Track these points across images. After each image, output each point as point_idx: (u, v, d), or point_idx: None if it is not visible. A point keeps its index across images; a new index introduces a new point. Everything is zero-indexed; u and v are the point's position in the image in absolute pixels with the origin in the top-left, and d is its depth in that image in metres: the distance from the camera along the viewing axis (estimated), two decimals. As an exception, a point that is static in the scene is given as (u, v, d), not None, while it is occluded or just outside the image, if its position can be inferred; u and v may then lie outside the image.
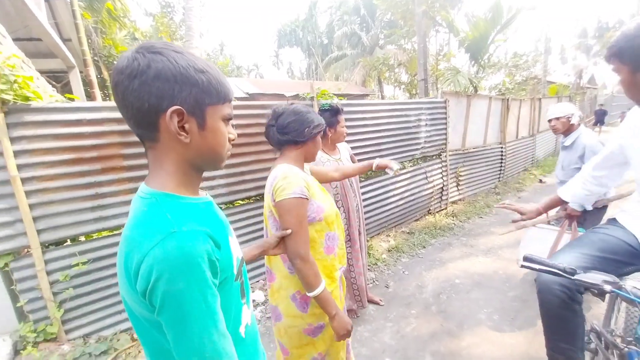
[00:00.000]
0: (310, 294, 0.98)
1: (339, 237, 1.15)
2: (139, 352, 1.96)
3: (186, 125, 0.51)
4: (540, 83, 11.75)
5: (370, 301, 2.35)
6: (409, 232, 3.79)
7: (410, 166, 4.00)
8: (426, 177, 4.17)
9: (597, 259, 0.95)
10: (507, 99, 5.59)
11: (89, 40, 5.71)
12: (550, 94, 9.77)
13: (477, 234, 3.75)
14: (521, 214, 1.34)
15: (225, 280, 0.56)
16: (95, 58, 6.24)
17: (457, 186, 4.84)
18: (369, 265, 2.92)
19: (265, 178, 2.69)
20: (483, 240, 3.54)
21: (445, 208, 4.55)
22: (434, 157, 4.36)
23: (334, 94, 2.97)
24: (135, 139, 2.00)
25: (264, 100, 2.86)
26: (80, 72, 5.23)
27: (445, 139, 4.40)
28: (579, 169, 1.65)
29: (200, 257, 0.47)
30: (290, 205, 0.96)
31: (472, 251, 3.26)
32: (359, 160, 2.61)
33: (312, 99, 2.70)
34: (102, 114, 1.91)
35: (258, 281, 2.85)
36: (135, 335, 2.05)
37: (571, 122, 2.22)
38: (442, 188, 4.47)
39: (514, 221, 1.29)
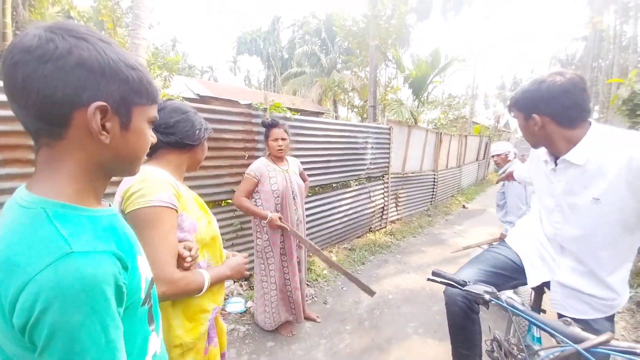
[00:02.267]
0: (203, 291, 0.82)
1: (211, 266, 0.91)
2: None
3: (107, 124, 0.45)
4: (467, 122, 13.72)
5: (308, 318, 2.33)
6: (350, 249, 3.93)
7: (356, 185, 4.21)
8: (369, 197, 4.43)
9: (489, 274, 1.12)
10: (440, 133, 6.39)
11: (14, 13, 4.84)
12: (475, 132, 11.48)
13: (410, 252, 4.07)
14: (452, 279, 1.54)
15: (131, 305, 0.48)
16: (18, 32, 5.28)
17: (396, 207, 5.24)
18: (309, 281, 2.92)
19: (208, 185, 2.48)
20: (414, 258, 3.85)
21: (385, 227, 4.86)
22: (377, 179, 4.67)
23: (288, 108, 3.01)
24: None
25: (216, 105, 2.74)
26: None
27: (388, 163, 4.77)
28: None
29: (105, 282, 0.40)
30: (152, 216, 0.74)
31: (404, 268, 3.52)
32: (309, 176, 2.67)
33: (264, 110, 2.69)
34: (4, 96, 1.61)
35: (241, 285, 2.64)
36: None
37: (509, 159, 2.80)
38: (383, 208, 4.79)
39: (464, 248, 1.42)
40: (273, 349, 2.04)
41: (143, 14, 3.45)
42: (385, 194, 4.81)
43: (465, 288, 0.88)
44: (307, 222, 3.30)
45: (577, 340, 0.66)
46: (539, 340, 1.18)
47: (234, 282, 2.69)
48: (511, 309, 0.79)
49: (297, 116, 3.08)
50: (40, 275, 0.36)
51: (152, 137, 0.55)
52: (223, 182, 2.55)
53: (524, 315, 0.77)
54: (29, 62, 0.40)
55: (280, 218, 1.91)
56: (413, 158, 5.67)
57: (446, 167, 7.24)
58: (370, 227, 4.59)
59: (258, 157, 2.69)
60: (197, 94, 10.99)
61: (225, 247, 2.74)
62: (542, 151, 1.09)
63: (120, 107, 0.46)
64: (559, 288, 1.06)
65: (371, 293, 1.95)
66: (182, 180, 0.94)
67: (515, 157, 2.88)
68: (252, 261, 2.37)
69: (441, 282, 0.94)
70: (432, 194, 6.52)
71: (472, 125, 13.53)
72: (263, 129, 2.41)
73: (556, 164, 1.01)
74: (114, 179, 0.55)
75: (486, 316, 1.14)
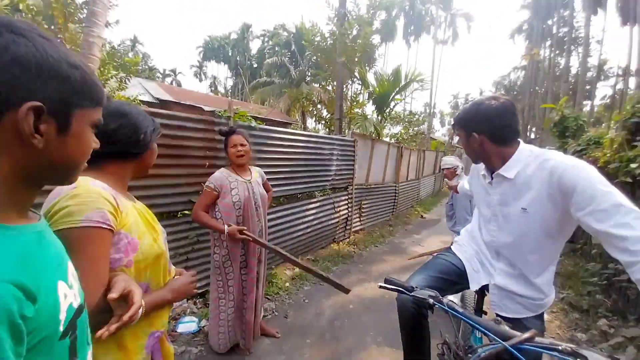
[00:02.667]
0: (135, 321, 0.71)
1: (150, 289, 0.82)
2: None
3: (42, 127, 0.41)
4: (425, 138, 14.75)
5: (267, 334, 2.26)
6: (314, 260, 3.92)
7: (321, 196, 4.26)
8: (334, 207, 4.50)
9: (436, 279, 1.21)
10: (402, 147, 6.77)
11: None
12: (432, 147, 12.38)
13: (372, 262, 4.18)
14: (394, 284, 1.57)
15: (44, 340, 0.41)
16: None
17: (359, 217, 5.38)
18: (270, 295, 2.85)
19: (164, 195, 2.35)
20: (376, 267, 3.96)
21: (349, 237, 4.95)
22: (341, 189, 4.78)
23: (253, 117, 2.98)
24: None
25: (178, 111, 2.62)
26: None
27: (353, 174, 4.91)
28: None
29: None
30: (78, 239, 0.64)
31: (366, 277, 3.60)
32: (273, 187, 2.64)
33: (228, 118, 2.64)
34: None
35: (195, 302, 2.47)
36: None
37: (456, 172, 3.12)
38: (347, 218, 4.89)
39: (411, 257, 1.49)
40: (228, 368, 1.94)
41: (100, 11, 3.23)
42: (349, 205, 4.93)
43: (412, 293, 0.94)
44: (271, 234, 3.25)
45: (505, 338, 0.73)
46: (481, 340, 1.27)
47: (187, 300, 2.53)
48: (451, 311, 0.85)
49: (263, 126, 3.06)
50: None
51: (94, 143, 0.51)
52: (180, 191, 2.42)
53: (462, 317, 0.83)
54: None
55: (241, 230, 1.85)
56: (376, 170, 5.91)
57: (406, 179, 7.65)
58: (334, 238, 4.64)
59: (220, 166, 2.62)
60: (157, 98, 10.41)
61: (179, 262, 2.58)
62: (481, 166, 1.22)
63: (58, 109, 0.43)
64: (496, 290, 1.17)
65: (346, 291, 1.95)
66: (125, 190, 0.86)
67: (462, 171, 3.16)
68: (208, 277, 2.26)
69: (391, 289, 0.99)
70: (394, 205, 6.81)
71: (430, 141, 14.57)
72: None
73: (492, 178, 1.13)
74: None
75: (439, 320, 1.21)
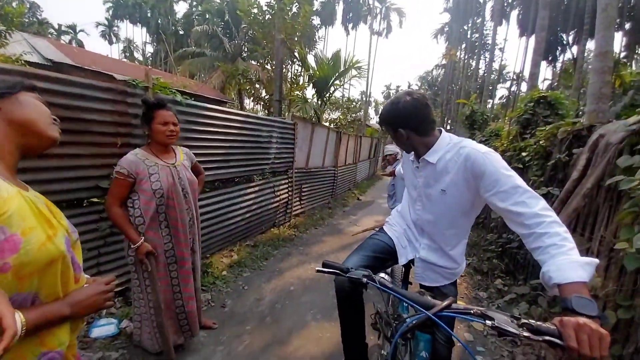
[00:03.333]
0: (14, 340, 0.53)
1: (40, 300, 0.67)
2: None
3: None
4: (362, 125, 15.53)
5: (203, 327, 2.11)
6: (253, 245, 3.81)
7: (260, 180, 4.10)
8: (274, 191, 4.40)
9: (370, 258, 1.29)
10: (340, 132, 6.97)
11: None
12: (367, 134, 13.12)
13: (312, 243, 4.28)
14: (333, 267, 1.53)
15: None
16: None
17: (299, 200, 5.40)
18: (205, 286, 2.65)
19: (63, 179, 1.93)
20: (316, 248, 4.07)
21: (289, 221, 4.95)
22: (282, 173, 4.69)
23: (178, 91, 2.61)
24: None
25: (79, 77, 2.08)
26: None
27: (293, 158, 4.85)
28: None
29: None
30: None
31: (306, 259, 3.67)
32: (205, 170, 2.38)
33: (145, 89, 2.24)
34: None
35: (113, 301, 1.96)
36: None
37: (397, 158, 3.61)
38: (287, 202, 4.85)
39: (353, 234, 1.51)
40: (157, 370, 1.75)
41: None
42: (290, 189, 4.89)
43: (347, 275, 0.96)
44: (205, 220, 2.99)
45: (428, 307, 0.81)
46: (407, 309, 1.41)
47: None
48: (383, 288, 0.89)
49: (191, 101, 2.72)
50: None
51: None
52: (84, 175, 1.99)
53: (391, 292, 0.89)
54: None
55: (149, 252, 1.59)
56: (316, 154, 5.97)
57: (345, 164, 7.97)
58: (275, 222, 4.58)
59: (134, 144, 2.22)
60: (50, 60, 8.36)
61: (89, 259, 2.18)
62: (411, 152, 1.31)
63: None
64: (420, 263, 1.30)
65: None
66: (11, 170, 0.67)
67: (401, 157, 3.50)
68: (128, 272, 1.96)
69: (328, 272, 0.99)
70: (333, 188, 7.06)
71: (365, 128, 15.42)
72: (140, 111, 1.98)
73: (419, 162, 1.23)
74: None
75: (372, 293, 1.27)
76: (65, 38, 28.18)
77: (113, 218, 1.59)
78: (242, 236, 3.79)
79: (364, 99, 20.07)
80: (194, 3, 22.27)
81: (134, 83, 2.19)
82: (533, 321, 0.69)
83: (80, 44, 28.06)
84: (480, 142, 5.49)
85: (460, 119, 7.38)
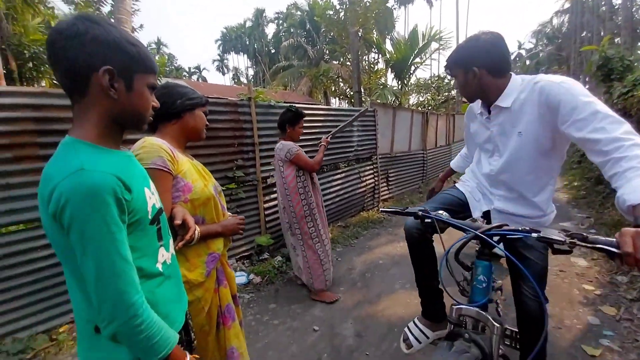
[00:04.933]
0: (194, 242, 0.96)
1: (208, 223, 1.08)
2: (60, 349, 1.85)
3: (115, 84, 0.62)
4: (457, 102, 13.90)
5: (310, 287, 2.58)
6: (344, 227, 4.18)
7: (345, 167, 4.43)
8: (359, 177, 4.66)
9: (439, 209, 1.35)
10: (427, 113, 6.58)
11: None
12: (463, 111, 11.69)
13: (401, 225, 4.31)
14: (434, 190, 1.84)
15: (139, 220, 0.65)
16: (3, 47, 5.40)
17: (387, 186, 5.47)
18: (305, 255, 3.17)
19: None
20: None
21: (377, 205, 5.11)
22: (366, 160, 4.89)
23: (275, 100, 3.21)
24: (56, 127, 1.95)
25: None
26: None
27: (376, 144, 4.98)
28: None
29: (105, 191, 0.56)
30: (149, 176, 0.82)
31: (395, 238, 3.78)
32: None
33: (249, 99, 2.89)
34: (16, 99, 1.81)
35: (243, 262, 2.94)
36: (53, 336, 1.91)
37: None
38: (374, 187, 5.02)
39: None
40: (275, 309, 2.30)
41: (124, 17, 3.60)
42: (375, 174, 5.04)
43: (405, 210, 1.11)
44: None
45: (477, 229, 0.89)
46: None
47: (236, 260, 2.94)
48: (436, 218, 1.01)
49: (282, 104, 3.28)
50: (62, 182, 0.54)
51: (154, 102, 0.73)
52: (217, 168, 2.76)
53: (446, 221, 0.99)
54: (60, 40, 0.58)
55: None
56: (400, 139, 5.88)
57: (435, 146, 7.46)
58: (363, 206, 4.83)
59: (247, 143, 2.94)
60: (187, 95, 11.08)
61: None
62: (477, 106, 1.29)
63: (124, 72, 0.63)
64: (497, 214, 1.29)
65: None
66: (182, 148, 1.10)
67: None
68: (255, 234, 2.62)
69: (390, 212, 1.16)
70: (423, 172, 6.75)
71: (461, 105, 13.72)
72: (249, 118, 2.71)
73: (489, 113, 1.21)
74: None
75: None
76: (194, 77, 36.22)
77: (319, 161, 2.37)
78: (334, 218, 4.21)
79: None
80: (280, 21, 24.87)
81: (241, 97, 2.87)
82: (589, 234, 0.69)
83: (204, 79, 35.55)
84: (621, 94, 4.24)
85: (588, 72, 5.74)
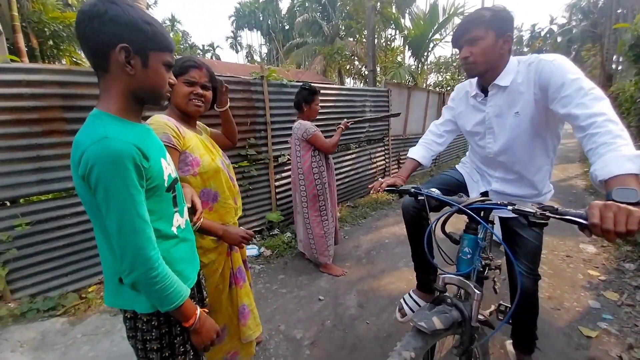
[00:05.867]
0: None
1: (219, 195, 1.14)
2: (89, 306, 2.07)
3: (132, 61, 0.67)
4: (477, 83, 13.24)
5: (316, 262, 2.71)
6: (353, 207, 4.26)
7: (356, 148, 4.44)
8: (371, 159, 4.66)
9: (436, 189, 1.38)
10: (443, 94, 6.37)
11: (18, 5, 5.07)
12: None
13: (409, 207, 4.35)
14: (394, 185, 1.41)
15: (156, 187, 0.72)
16: (24, 24, 5.55)
17: (398, 168, 5.45)
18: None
19: None
20: (413, 212, 4.14)
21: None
22: (377, 141, 4.87)
23: (288, 80, 3.20)
24: (80, 103, 2.07)
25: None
26: (7, 39, 4.67)
27: (388, 125, 4.92)
28: None
29: (126, 158, 0.62)
30: None
31: (402, 219, 3.82)
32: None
33: (261, 78, 2.91)
34: (43, 76, 1.92)
35: (255, 237, 3.14)
36: (83, 294, 2.14)
37: None
38: (384, 169, 5.02)
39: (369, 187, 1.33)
40: (283, 280, 2.45)
41: (141, -4, 3.60)
42: (387, 156, 5.02)
43: (399, 188, 1.16)
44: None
45: (461, 203, 0.93)
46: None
47: (253, 239, 3.09)
48: (427, 195, 1.05)
49: (294, 83, 3.28)
50: (89, 148, 0.61)
51: (171, 79, 0.77)
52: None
53: (436, 197, 1.03)
54: (84, 20, 0.64)
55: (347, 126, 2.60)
56: (414, 120, 5.76)
57: (450, 129, 7.25)
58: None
59: (259, 122, 3.00)
60: (201, 73, 11.10)
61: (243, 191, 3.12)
62: (470, 87, 1.28)
63: (139, 50, 0.67)
64: (494, 195, 1.32)
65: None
66: (191, 124, 1.16)
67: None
68: (267, 211, 2.74)
69: (387, 190, 1.20)
70: (436, 155, 6.63)
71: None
72: (261, 97, 2.77)
73: (485, 94, 1.20)
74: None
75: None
76: (208, 55, 35.92)
77: (335, 143, 2.39)
78: (344, 198, 4.28)
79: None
80: (295, -5, 23.90)
81: (254, 76, 2.89)
82: (561, 208, 0.73)
83: (218, 57, 35.24)
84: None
85: (620, 51, 5.32)
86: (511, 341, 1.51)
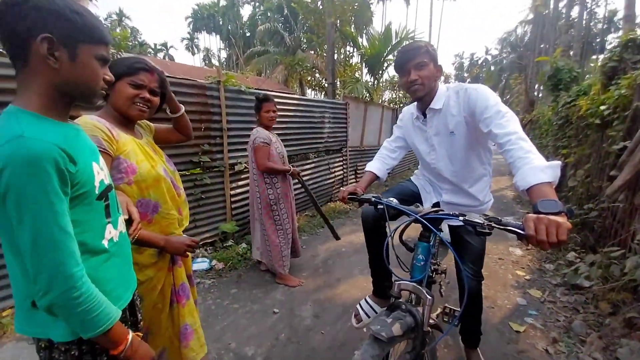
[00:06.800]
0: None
1: (161, 205, 1.04)
2: (4, 333, 1.73)
3: (56, 53, 0.60)
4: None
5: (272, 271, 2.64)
6: (311, 216, 4.27)
7: (314, 157, 4.50)
8: (329, 168, 4.76)
9: (395, 198, 1.47)
10: (396, 109, 6.85)
11: None
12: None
13: (365, 216, 4.52)
14: (355, 194, 1.47)
15: (85, 194, 0.65)
16: None
17: (355, 177, 5.65)
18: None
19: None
20: (369, 220, 4.30)
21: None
22: (336, 152, 5.00)
23: (247, 86, 3.14)
24: (12, 86, 1.77)
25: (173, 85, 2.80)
26: None
27: (346, 137, 5.10)
28: None
29: (45, 160, 0.55)
30: None
31: (359, 228, 3.94)
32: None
33: (218, 82, 2.81)
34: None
35: (206, 249, 2.92)
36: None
37: None
38: (342, 179, 5.16)
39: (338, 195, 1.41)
40: (236, 294, 2.33)
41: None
42: (344, 166, 5.18)
43: (360, 197, 1.20)
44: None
45: (418, 213, 1.00)
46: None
47: (199, 247, 2.90)
48: (386, 204, 1.11)
49: (252, 90, 3.23)
50: (0, 148, 0.53)
51: (106, 75, 0.70)
52: (182, 152, 2.68)
53: (394, 206, 1.09)
54: (2, 6, 0.57)
55: (298, 173, 2.45)
56: (370, 133, 6.07)
57: (403, 142, 7.79)
58: (331, 197, 4.96)
59: (214, 128, 2.87)
60: (152, 73, 10.33)
61: (191, 208, 2.94)
62: (412, 110, 1.43)
63: (66, 41, 0.61)
64: (445, 205, 1.44)
65: (336, 237, 2.62)
66: (128, 127, 1.03)
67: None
68: (220, 221, 2.59)
69: (351, 199, 1.24)
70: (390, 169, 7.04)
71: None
72: (217, 102, 2.67)
73: (424, 116, 1.34)
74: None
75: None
76: (160, 55, 33.71)
77: (269, 166, 2.28)
78: (302, 208, 4.28)
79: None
80: (257, 4, 23.86)
81: (210, 80, 2.78)
82: (503, 219, 0.82)
83: (172, 58, 33.25)
84: (565, 104, 4.75)
85: (540, 80, 6.31)
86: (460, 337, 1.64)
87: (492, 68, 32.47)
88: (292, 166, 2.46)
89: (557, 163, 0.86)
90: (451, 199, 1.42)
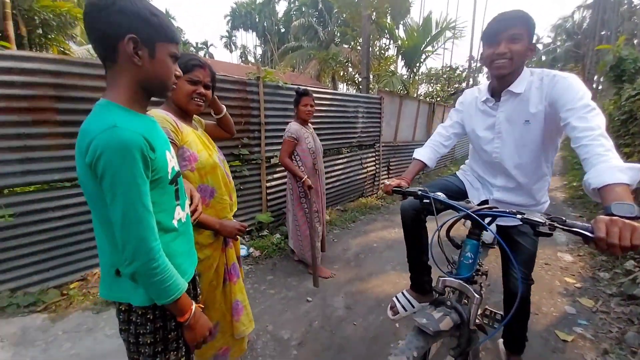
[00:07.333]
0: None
1: (216, 191, 1.15)
2: (70, 303, 2.01)
3: (139, 52, 0.68)
4: (466, 95, 13.65)
5: (304, 261, 2.73)
6: (343, 210, 4.30)
7: (347, 152, 4.50)
8: (361, 164, 4.74)
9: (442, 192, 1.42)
10: (433, 104, 6.56)
11: None
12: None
13: (397, 213, 4.38)
14: (400, 187, 1.43)
15: (160, 179, 0.73)
16: (13, 11, 5.36)
17: (387, 174, 5.56)
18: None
19: None
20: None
21: (377, 192, 5.21)
22: (369, 147, 4.95)
23: (284, 82, 3.24)
24: (73, 94, 2.04)
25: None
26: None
27: (380, 132, 5.02)
28: None
29: (134, 148, 0.63)
30: None
31: (391, 224, 3.90)
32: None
33: (257, 78, 2.93)
34: (35, 65, 1.88)
35: (244, 237, 3.12)
36: (64, 291, 2.08)
37: None
38: (374, 174, 5.11)
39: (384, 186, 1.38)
40: (272, 280, 2.46)
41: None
42: (377, 162, 5.11)
43: (404, 190, 1.19)
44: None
45: (469, 209, 0.96)
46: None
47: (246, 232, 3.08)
48: (433, 198, 1.07)
49: (290, 85, 3.31)
50: (98, 136, 0.62)
51: (177, 71, 0.78)
52: (224, 145, 2.85)
53: (442, 201, 1.06)
54: (92, 11, 0.65)
55: (310, 186, 2.34)
56: (405, 128, 5.90)
57: (439, 138, 7.45)
58: (363, 193, 4.94)
59: (253, 122, 3.01)
60: (194, 71, 10.97)
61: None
62: (479, 92, 1.32)
63: (147, 41, 0.69)
64: (495, 203, 1.34)
65: (315, 284, 2.37)
66: (187, 119, 1.14)
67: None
68: (257, 212, 2.74)
69: (396, 192, 1.23)
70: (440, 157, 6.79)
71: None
72: (256, 97, 2.80)
73: (497, 99, 1.23)
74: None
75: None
76: (201, 53, 35.52)
77: (286, 163, 2.33)
78: (333, 202, 4.33)
79: (472, 64, 17.31)
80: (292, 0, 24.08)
81: (249, 77, 2.91)
82: (568, 220, 0.75)
83: (211, 56, 34.92)
84: (629, 97, 4.20)
85: (601, 70, 5.63)
86: (502, 340, 1.57)
87: (543, 58, 29.48)
88: (316, 167, 2.45)
89: (638, 166, 0.78)
90: (504, 197, 1.32)
